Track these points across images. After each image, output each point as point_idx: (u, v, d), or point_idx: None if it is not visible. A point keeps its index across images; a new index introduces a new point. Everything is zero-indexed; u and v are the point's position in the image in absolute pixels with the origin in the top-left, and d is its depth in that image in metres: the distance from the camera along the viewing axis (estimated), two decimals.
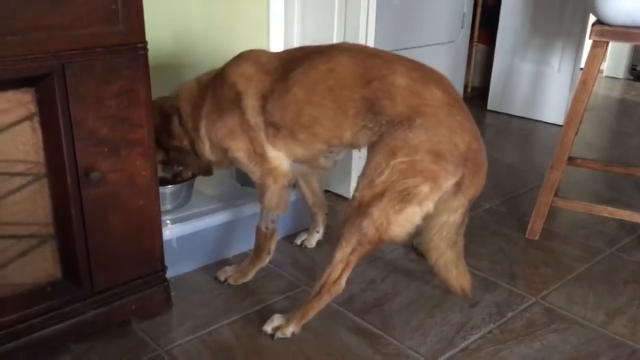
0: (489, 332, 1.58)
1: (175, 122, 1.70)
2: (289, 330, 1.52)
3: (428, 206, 1.43)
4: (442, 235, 1.54)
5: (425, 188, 1.40)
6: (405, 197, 1.40)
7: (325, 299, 1.52)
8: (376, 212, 1.42)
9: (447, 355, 1.49)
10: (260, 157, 1.61)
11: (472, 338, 1.55)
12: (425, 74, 1.50)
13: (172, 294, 1.61)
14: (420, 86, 1.45)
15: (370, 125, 1.47)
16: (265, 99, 1.56)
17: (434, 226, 1.52)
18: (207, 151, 1.68)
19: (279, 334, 1.52)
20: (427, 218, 1.47)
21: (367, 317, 1.63)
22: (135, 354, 1.46)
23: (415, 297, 1.72)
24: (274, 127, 1.57)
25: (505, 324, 1.61)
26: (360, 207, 1.44)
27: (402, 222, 1.42)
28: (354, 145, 1.58)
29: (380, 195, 1.41)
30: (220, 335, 1.54)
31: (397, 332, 1.57)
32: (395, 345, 1.52)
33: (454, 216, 1.50)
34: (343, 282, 1.50)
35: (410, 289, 1.76)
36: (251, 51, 1.65)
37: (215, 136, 1.64)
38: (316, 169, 1.79)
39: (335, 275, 1.49)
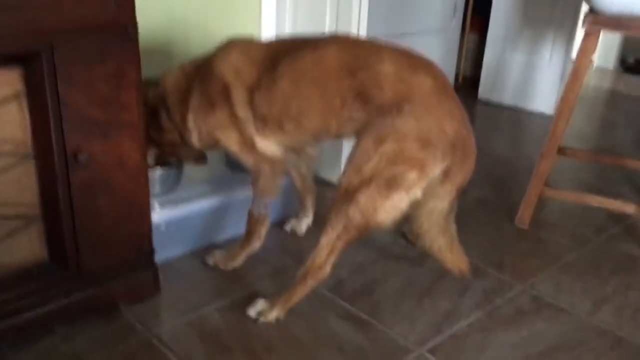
0: (477, 319, 1.58)
1: (164, 116, 1.68)
2: (273, 315, 1.52)
3: (415, 193, 1.42)
4: (431, 222, 1.54)
5: (412, 175, 1.39)
6: (392, 184, 1.40)
7: (310, 285, 1.52)
8: (363, 198, 1.41)
9: (435, 341, 1.50)
10: (251, 147, 1.61)
11: (460, 325, 1.56)
12: (413, 61, 1.49)
13: (161, 278, 1.60)
14: (408, 73, 1.44)
15: (357, 115, 1.46)
16: (252, 91, 1.55)
17: (422, 213, 1.52)
18: (195, 141, 1.67)
19: (262, 319, 1.52)
20: (416, 205, 1.46)
21: (356, 302, 1.63)
22: (122, 337, 1.45)
23: (404, 283, 1.72)
24: (261, 120, 1.57)
25: (493, 312, 1.62)
26: (347, 193, 1.43)
27: (389, 208, 1.42)
28: (340, 136, 1.57)
29: (367, 182, 1.41)
30: (209, 320, 1.53)
31: (385, 318, 1.57)
32: (384, 332, 1.52)
33: (441, 204, 1.50)
34: (328, 267, 1.50)
35: (399, 275, 1.76)
36: (239, 41, 1.64)
37: (206, 128, 1.63)
38: (302, 157, 1.79)
39: (320, 260, 1.48)
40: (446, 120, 1.41)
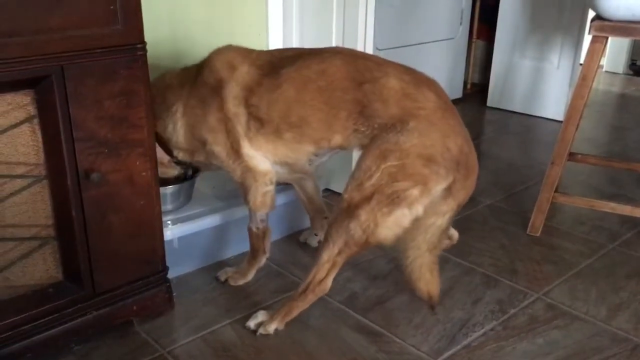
0: (492, 329, 1.57)
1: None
2: (272, 327, 1.52)
3: (417, 210, 1.40)
4: (425, 237, 1.49)
5: (415, 191, 1.38)
6: (394, 200, 1.38)
7: (310, 299, 1.52)
8: (364, 214, 1.40)
9: (450, 352, 1.49)
10: (235, 153, 1.58)
11: (475, 335, 1.55)
12: (416, 77, 1.48)
13: (174, 294, 1.61)
14: (413, 89, 1.44)
15: (362, 128, 1.45)
16: (251, 90, 1.53)
17: (419, 226, 1.47)
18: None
19: (261, 330, 1.52)
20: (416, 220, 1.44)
21: (369, 315, 1.63)
22: (137, 355, 1.46)
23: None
24: (258, 122, 1.53)
25: (508, 321, 1.61)
26: (349, 209, 1.42)
27: (390, 224, 1.41)
28: (344, 148, 1.54)
29: (368, 198, 1.40)
30: (223, 335, 1.54)
31: (399, 329, 1.57)
32: (398, 343, 1.52)
33: (441, 220, 1.47)
34: (329, 282, 1.49)
35: None
36: (239, 46, 1.63)
37: (193, 125, 1.60)
38: (297, 173, 1.73)
39: (321, 275, 1.48)
40: (450, 137, 1.40)
